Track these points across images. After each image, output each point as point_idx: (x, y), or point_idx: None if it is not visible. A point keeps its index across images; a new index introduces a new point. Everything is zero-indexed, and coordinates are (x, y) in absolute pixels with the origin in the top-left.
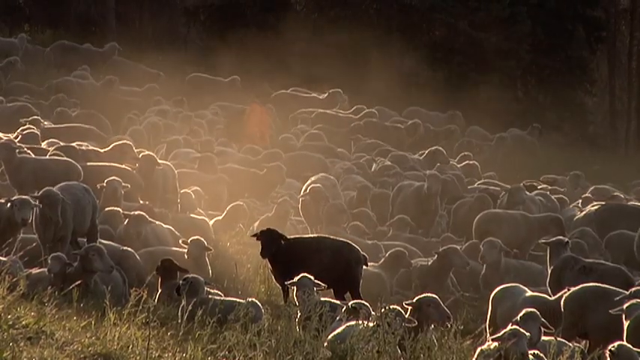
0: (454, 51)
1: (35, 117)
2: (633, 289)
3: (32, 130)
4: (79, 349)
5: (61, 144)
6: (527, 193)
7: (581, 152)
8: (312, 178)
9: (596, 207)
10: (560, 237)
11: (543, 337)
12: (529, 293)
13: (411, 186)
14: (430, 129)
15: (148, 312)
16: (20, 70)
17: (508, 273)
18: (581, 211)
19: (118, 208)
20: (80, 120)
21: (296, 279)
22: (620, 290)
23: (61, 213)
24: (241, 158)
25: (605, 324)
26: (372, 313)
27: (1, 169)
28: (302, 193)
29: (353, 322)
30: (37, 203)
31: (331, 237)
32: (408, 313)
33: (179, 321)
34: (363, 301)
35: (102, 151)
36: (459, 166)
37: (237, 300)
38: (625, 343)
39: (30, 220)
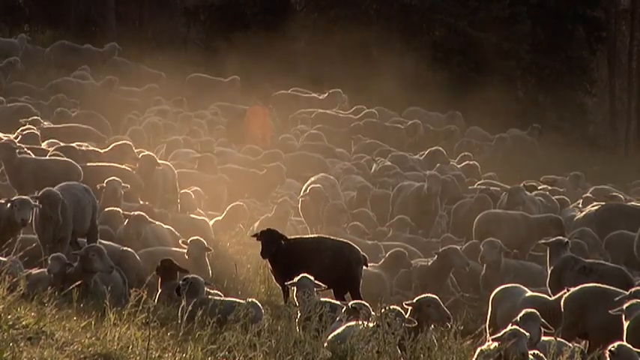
0: (454, 51)
1: (35, 117)
2: (633, 289)
3: (32, 131)
4: (79, 349)
5: (61, 144)
6: (528, 193)
7: (581, 152)
8: (312, 179)
9: (596, 207)
10: (560, 237)
11: (543, 338)
12: (529, 293)
13: (411, 186)
14: (430, 129)
15: (148, 312)
16: (20, 70)
17: (508, 273)
18: (581, 212)
19: (118, 209)
20: (80, 120)
21: (296, 279)
22: (620, 290)
23: (61, 212)
24: (241, 158)
25: (605, 324)
26: (372, 313)
27: (1, 170)
28: (302, 193)
29: (353, 323)
30: (37, 203)
31: (331, 237)
32: (408, 313)
33: (179, 321)
34: (363, 302)
35: (102, 151)
36: (458, 166)
37: (237, 300)
38: (625, 343)
39: (30, 221)
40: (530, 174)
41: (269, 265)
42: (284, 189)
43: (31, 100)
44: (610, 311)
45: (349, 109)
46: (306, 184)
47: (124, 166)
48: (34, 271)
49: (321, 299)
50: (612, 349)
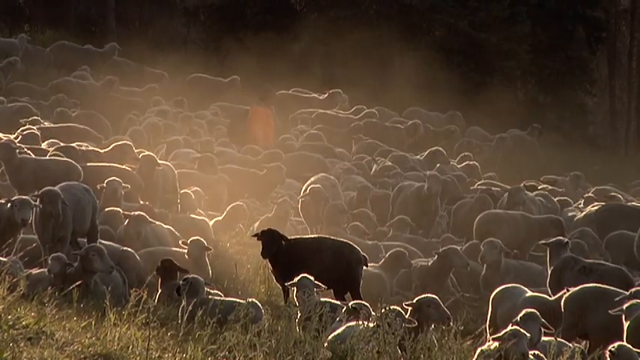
0: (454, 51)
1: (35, 117)
2: (633, 289)
3: (32, 131)
4: (79, 349)
5: (61, 144)
6: (528, 193)
7: (581, 152)
8: (312, 179)
9: (596, 207)
10: (560, 237)
11: (543, 338)
12: (529, 294)
13: (411, 186)
14: (430, 129)
15: (148, 312)
16: (20, 70)
17: (508, 273)
18: (582, 212)
19: (118, 209)
20: (80, 120)
21: (296, 279)
22: (620, 291)
23: (61, 208)
24: (241, 158)
25: (605, 324)
26: (372, 313)
27: (1, 170)
28: (302, 193)
29: (353, 323)
30: (37, 202)
31: (332, 237)
32: (408, 313)
33: (179, 321)
34: (363, 302)
35: (102, 151)
36: (459, 166)
37: (238, 300)
38: (625, 343)
39: (30, 221)
40: (530, 174)
41: (269, 266)
42: (284, 189)
43: (32, 100)
44: (610, 311)
45: (349, 109)
46: (306, 185)
47: (124, 167)
48: (34, 271)
49: (321, 299)
50: (612, 349)
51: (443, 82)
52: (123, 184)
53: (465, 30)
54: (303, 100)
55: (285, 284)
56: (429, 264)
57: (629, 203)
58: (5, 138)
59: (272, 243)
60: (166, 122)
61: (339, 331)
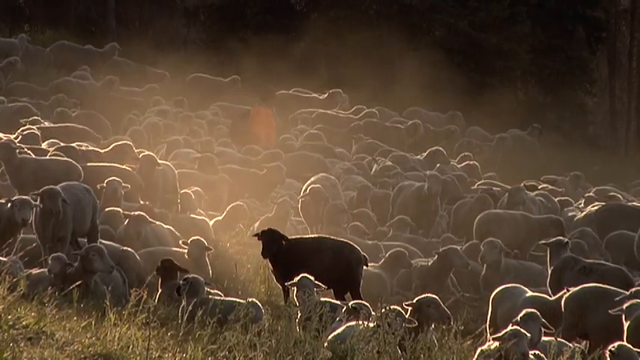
0: (454, 51)
1: (35, 117)
2: (633, 289)
3: (32, 131)
4: (80, 349)
5: (61, 144)
6: (528, 193)
7: (581, 152)
8: (312, 179)
9: (596, 207)
10: (560, 237)
11: (544, 338)
12: (529, 294)
13: (411, 186)
14: (430, 129)
15: (148, 312)
16: (20, 70)
17: (508, 273)
18: (582, 212)
19: (118, 209)
20: (80, 120)
21: (296, 279)
22: (620, 290)
23: (62, 206)
24: (241, 158)
25: (605, 324)
26: (373, 313)
27: (1, 169)
28: (302, 193)
29: (353, 323)
30: (38, 201)
31: (332, 237)
32: (408, 313)
33: (179, 321)
34: (363, 302)
35: (102, 151)
36: (459, 166)
37: (238, 300)
38: (625, 343)
39: (30, 221)
40: (530, 174)
41: (269, 265)
42: (284, 189)
43: (32, 100)
44: (610, 311)
45: (349, 109)
46: (306, 184)
47: (124, 166)
48: (35, 271)
49: (321, 299)
50: (612, 349)
51: (443, 82)
52: (123, 184)
53: (465, 30)
54: (304, 100)
55: (286, 284)
56: (429, 264)
57: (629, 203)
58: (5, 138)
59: (272, 243)
60: (166, 122)
61: (339, 331)
